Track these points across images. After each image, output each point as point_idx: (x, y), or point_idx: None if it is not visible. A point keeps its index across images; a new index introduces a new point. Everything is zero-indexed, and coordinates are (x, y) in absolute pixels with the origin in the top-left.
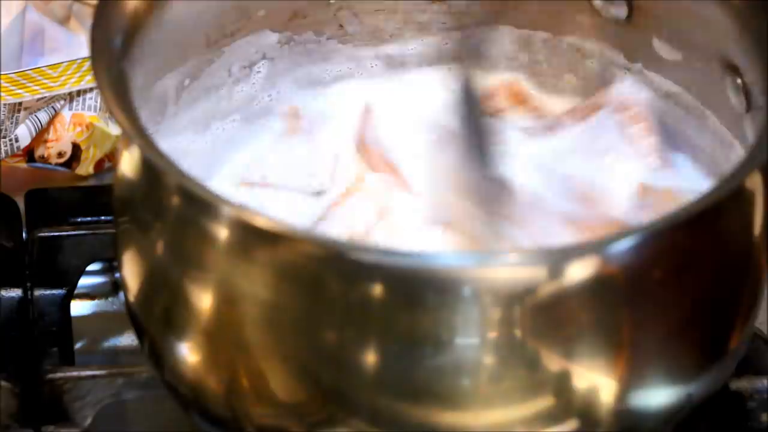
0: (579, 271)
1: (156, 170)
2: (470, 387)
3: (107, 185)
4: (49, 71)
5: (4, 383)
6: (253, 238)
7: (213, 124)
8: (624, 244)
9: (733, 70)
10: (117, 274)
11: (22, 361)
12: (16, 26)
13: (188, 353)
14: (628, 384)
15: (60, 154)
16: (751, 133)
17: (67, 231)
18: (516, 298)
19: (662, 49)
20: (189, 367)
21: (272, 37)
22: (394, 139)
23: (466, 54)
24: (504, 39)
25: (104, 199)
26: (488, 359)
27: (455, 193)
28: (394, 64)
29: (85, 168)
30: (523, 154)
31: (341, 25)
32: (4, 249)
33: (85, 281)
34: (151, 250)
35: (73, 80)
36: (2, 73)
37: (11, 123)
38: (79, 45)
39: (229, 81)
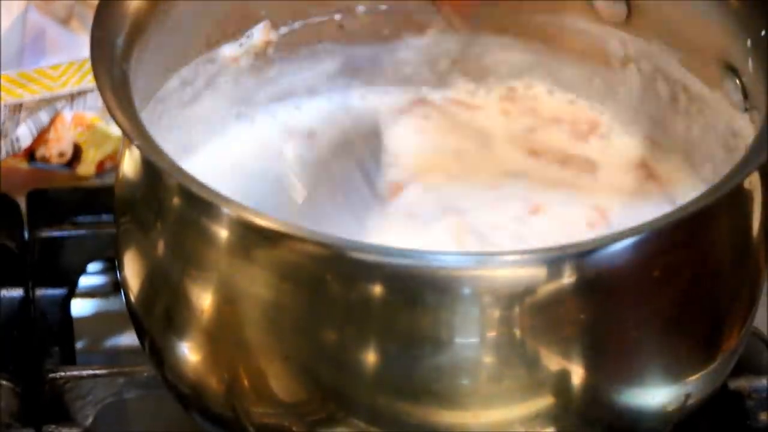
0: (578, 270)
1: (156, 170)
2: (470, 387)
3: (108, 185)
4: (51, 71)
5: (5, 382)
6: (254, 237)
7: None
8: (623, 244)
9: (733, 70)
10: (118, 274)
11: (23, 361)
12: (17, 26)
13: (189, 353)
14: (626, 383)
15: (61, 155)
16: (750, 133)
17: (68, 231)
18: (515, 298)
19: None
20: (190, 366)
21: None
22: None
23: None
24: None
25: (105, 199)
26: (487, 359)
27: None
28: (394, 64)
29: (86, 168)
30: None
31: (341, 26)
32: (5, 249)
33: (86, 281)
34: (152, 250)
35: (74, 80)
36: (3, 73)
37: (12, 123)
38: (81, 45)
39: (229, 81)
